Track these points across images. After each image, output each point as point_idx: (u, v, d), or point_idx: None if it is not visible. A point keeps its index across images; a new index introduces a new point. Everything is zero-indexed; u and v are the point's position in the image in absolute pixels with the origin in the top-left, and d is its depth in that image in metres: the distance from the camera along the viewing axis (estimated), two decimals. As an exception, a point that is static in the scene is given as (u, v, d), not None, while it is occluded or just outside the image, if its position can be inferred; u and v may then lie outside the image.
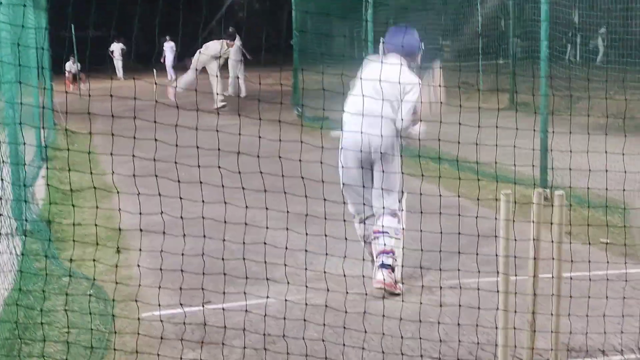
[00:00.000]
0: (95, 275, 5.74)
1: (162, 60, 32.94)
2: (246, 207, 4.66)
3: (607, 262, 5.56)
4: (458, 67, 18.12)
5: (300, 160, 4.52)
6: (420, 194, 4.57)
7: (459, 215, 4.72)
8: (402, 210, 6.03)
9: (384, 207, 5.85)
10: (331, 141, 6.03)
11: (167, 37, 32.05)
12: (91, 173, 4.52)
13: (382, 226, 5.84)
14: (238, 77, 22.73)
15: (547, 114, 8.45)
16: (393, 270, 5.79)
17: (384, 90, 5.51)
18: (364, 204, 5.98)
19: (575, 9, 15.25)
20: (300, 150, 4.47)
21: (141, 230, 4.43)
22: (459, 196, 6.85)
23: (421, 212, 4.70)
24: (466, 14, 17.98)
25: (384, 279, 5.72)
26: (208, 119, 4.22)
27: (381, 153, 5.74)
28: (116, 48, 33.93)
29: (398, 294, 5.69)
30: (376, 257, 5.89)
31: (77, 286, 5.78)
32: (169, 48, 32.75)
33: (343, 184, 5.98)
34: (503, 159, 4.80)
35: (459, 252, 5.27)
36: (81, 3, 5.51)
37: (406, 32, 6.01)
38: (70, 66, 26.71)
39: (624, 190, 5.64)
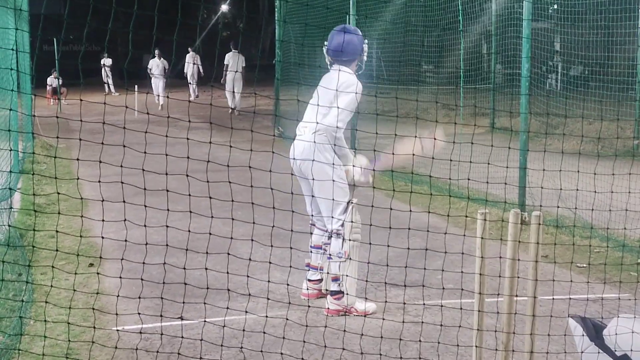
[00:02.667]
0: (68, 288, 5.69)
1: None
2: (212, 218, 4.63)
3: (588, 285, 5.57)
4: (440, 91, 18.24)
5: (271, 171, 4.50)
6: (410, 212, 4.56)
7: (446, 234, 4.71)
8: (350, 222, 5.58)
9: (326, 230, 5.63)
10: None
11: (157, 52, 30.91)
12: (55, 180, 4.42)
13: (330, 252, 5.62)
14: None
15: (526, 133, 8.49)
16: (341, 294, 5.60)
17: (318, 96, 5.43)
18: (312, 211, 5.78)
19: (557, 36, 15.40)
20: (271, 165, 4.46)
21: (102, 237, 4.38)
22: (429, 212, 6.84)
23: (409, 230, 4.69)
24: (449, 38, 18.08)
25: (328, 307, 5.62)
26: (187, 133, 4.20)
27: (309, 174, 5.45)
28: (106, 62, 33.49)
29: (359, 315, 5.57)
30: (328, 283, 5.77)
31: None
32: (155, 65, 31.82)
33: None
34: (484, 184, 4.80)
35: (441, 270, 5.25)
36: (65, 18, 5.48)
37: (345, 34, 5.63)
38: (52, 80, 26.58)
39: (609, 210, 5.65)
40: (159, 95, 24.69)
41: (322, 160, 5.39)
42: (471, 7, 16.78)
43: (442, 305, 5.02)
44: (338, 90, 5.36)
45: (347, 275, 5.50)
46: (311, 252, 5.84)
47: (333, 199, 5.28)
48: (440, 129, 5.42)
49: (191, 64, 26.90)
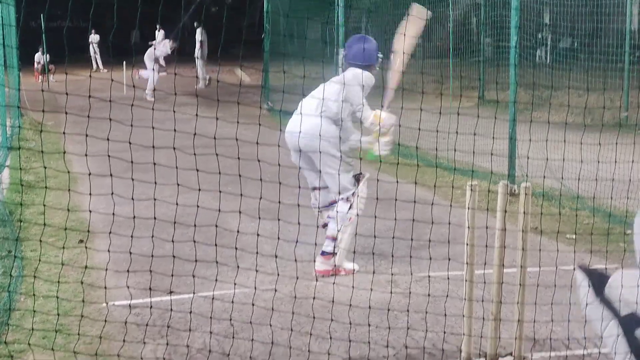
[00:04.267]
0: (57, 263, 5.69)
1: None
2: (199, 191, 4.61)
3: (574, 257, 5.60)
4: (429, 65, 18.22)
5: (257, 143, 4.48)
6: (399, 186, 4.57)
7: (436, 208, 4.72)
8: (360, 195, 6.01)
9: (339, 192, 5.91)
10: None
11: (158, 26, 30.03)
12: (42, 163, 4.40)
13: (335, 212, 5.99)
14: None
15: (515, 104, 8.49)
16: (332, 255, 5.95)
17: (323, 90, 5.76)
18: (318, 194, 6.12)
19: (546, 8, 15.37)
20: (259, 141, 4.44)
21: (88, 216, 4.37)
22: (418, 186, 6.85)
23: (395, 201, 4.69)
24: (437, 14, 18.01)
25: (317, 266, 5.97)
26: (179, 109, 4.18)
27: (320, 152, 5.77)
28: (94, 39, 33.19)
29: (346, 274, 5.93)
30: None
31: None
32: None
33: (299, 167, 6.08)
34: (476, 157, 4.82)
35: (427, 244, 5.26)
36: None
37: (364, 42, 6.13)
38: (40, 57, 26.40)
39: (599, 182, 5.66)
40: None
41: (329, 137, 5.74)
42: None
43: (429, 277, 5.04)
44: (346, 85, 5.82)
45: (345, 236, 5.92)
46: (326, 224, 6.14)
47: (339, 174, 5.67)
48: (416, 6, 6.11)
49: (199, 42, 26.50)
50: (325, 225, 6.16)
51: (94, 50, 32.98)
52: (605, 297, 3.71)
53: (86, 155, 3.95)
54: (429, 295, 4.89)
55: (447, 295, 4.60)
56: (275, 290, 4.97)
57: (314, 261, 6.01)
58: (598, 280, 3.77)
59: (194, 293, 4.92)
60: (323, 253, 5.98)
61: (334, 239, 5.95)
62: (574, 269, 4.41)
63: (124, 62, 21.47)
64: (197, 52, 24.54)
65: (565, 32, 15.47)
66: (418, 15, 6.09)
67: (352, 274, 5.90)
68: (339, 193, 5.87)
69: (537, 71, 15.42)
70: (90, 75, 4.07)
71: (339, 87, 5.84)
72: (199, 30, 24.83)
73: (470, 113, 5.25)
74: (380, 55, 6.22)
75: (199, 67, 24.44)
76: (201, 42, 24.53)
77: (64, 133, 4.12)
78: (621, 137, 5.15)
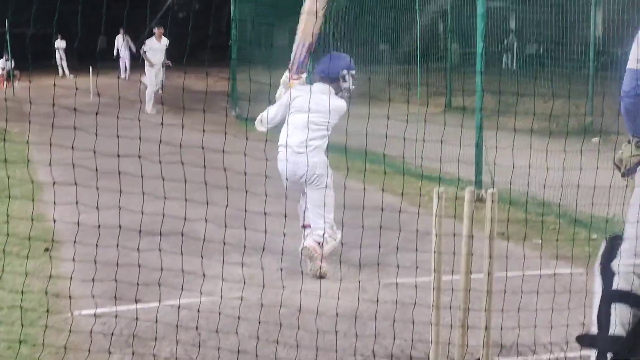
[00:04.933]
0: (22, 273, 5.62)
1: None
2: (165, 199, 4.58)
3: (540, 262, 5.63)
4: (397, 71, 18.28)
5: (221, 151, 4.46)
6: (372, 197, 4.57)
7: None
8: (339, 240, 6.46)
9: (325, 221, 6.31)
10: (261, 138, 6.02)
11: (122, 31, 29.98)
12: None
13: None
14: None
15: (481, 110, 8.53)
16: (320, 245, 6.29)
17: (315, 120, 6.12)
18: (304, 210, 6.51)
19: (512, 15, 15.50)
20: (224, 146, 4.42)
21: (53, 225, 4.33)
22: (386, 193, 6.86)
23: (363, 209, 4.69)
24: (405, 18, 18.09)
25: (309, 242, 6.32)
26: (143, 116, 4.16)
27: (311, 179, 6.34)
28: (60, 45, 32.87)
29: (322, 275, 6.24)
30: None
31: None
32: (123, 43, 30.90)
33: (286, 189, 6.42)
34: (443, 164, 4.84)
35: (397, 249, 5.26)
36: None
37: (331, 58, 6.46)
38: (4, 63, 26.15)
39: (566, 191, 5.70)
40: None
41: (325, 172, 6.36)
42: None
43: (397, 283, 5.04)
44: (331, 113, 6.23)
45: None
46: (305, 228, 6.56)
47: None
48: None
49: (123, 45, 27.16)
50: (305, 227, 6.54)
51: (60, 56, 32.70)
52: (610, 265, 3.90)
53: (50, 165, 3.91)
54: (396, 302, 4.89)
55: (415, 303, 4.60)
56: (242, 299, 4.95)
57: (280, 268, 6.00)
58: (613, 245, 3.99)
59: (160, 302, 4.88)
60: (315, 238, 6.34)
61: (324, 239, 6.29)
62: (540, 275, 4.46)
63: (91, 68, 21.33)
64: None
65: (531, 38, 15.61)
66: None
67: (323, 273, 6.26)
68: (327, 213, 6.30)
69: (503, 77, 15.54)
70: (54, 84, 4.02)
71: (326, 118, 6.27)
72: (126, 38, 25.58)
73: (438, 119, 5.27)
74: (346, 72, 6.50)
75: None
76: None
77: (27, 142, 4.07)
78: (586, 142, 5.19)
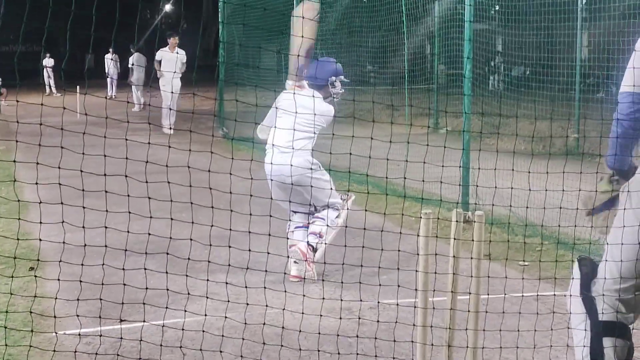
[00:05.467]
0: (6, 292, 5.61)
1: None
2: (150, 218, 4.58)
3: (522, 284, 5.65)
4: (383, 92, 18.36)
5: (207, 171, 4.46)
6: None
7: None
8: (348, 209, 6.52)
9: (328, 205, 6.44)
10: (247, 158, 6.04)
11: (111, 50, 29.90)
12: None
13: (323, 214, 6.43)
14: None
15: (469, 133, 8.56)
16: (314, 250, 6.34)
17: (300, 122, 6.14)
18: (292, 212, 6.55)
19: (498, 37, 15.61)
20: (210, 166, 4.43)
21: (39, 244, 4.31)
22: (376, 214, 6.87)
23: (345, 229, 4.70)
24: (393, 39, 18.19)
25: (301, 248, 6.30)
26: (131, 136, 4.15)
27: (302, 177, 6.21)
28: (48, 63, 32.83)
29: (308, 274, 6.33)
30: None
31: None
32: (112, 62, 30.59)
33: (272, 198, 6.34)
34: (429, 184, 4.86)
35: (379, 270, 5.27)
36: (6, 17, 5.41)
37: (318, 65, 6.48)
38: (-10, 81, 26.08)
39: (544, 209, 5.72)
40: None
41: (308, 170, 6.21)
42: (414, 8, 16.90)
43: (379, 302, 5.05)
44: (317, 115, 6.16)
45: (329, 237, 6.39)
46: (313, 222, 6.51)
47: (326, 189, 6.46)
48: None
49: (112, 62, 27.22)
50: (292, 247, 6.45)
51: (47, 74, 32.67)
52: (590, 293, 3.87)
53: (37, 183, 3.91)
54: (377, 321, 4.89)
55: (396, 322, 4.61)
56: (226, 318, 4.94)
57: (264, 287, 5.98)
58: (591, 271, 3.94)
59: (144, 321, 4.87)
60: (308, 243, 6.34)
61: (320, 236, 6.32)
62: (522, 295, 4.47)
63: (78, 87, 21.30)
64: (130, 76, 25.16)
65: (517, 60, 15.71)
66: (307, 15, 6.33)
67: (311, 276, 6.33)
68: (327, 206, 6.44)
69: (490, 99, 15.62)
70: (42, 103, 4.02)
71: (311, 119, 6.21)
72: (135, 55, 25.43)
73: (424, 140, 5.30)
74: (334, 78, 6.55)
75: (134, 91, 25.06)
76: (133, 66, 25.32)
77: (14, 161, 4.06)
78: (571, 164, 5.22)
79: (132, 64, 25.43)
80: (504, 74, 18.15)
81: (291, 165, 5.80)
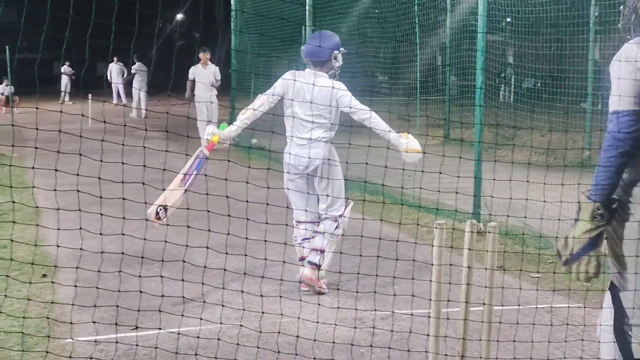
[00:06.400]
0: (21, 299, 5.64)
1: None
2: (167, 226, 4.61)
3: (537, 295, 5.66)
4: (396, 102, 18.38)
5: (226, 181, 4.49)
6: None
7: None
8: (345, 217, 6.34)
9: (326, 213, 6.26)
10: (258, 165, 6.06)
11: (115, 59, 29.82)
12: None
13: (322, 228, 6.25)
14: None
15: (481, 144, 8.56)
16: (319, 268, 6.20)
17: (315, 109, 6.02)
18: (305, 210, 6.30)
19: (510, 49, 15.62)
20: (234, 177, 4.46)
21: (52, 250, 4.34)
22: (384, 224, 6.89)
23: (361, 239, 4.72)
24: (405, 49, 18.22)
25: (307, 275, 6.16)
26: (142, 142, 4.18)
27: (320, 166, 6.13)
28: (67, 71, 32.96)
29: (322, 293, 6.19)
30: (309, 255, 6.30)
31: None
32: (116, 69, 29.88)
33: (287, 188, 6.29)
34: (441, 195, 4.86)
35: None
36: (20, 25, 5.45)
37: (321, 39, 6.19)
38: (4, 88, 26.25)
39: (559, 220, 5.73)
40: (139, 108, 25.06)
41: (333, 164, 6.15)
42: (427, 19, 16.92)
43: (393, 312, 5.06)
44: (333, 93, 6.04)
45: (330, 252, 6.27)
46: (313, 237, 6.35)
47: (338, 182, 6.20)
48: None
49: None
50: (302, 259, 6.36)
51: (65, 82, 32.82)
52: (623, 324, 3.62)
53: (55, 190, 3.94)
54: (391, 331, 4.90)
55: (410, 331, 4.62)
56: (241, 326, 4.96)
57: (279, 296, 6.00)
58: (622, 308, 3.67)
59: (160, 329, 4.89)
60: (311, 263, 6.19)
61: (322, 252, 6.20)
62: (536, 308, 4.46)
63: (90, 95, 21.39)
64: (136, 82, 25.87)
65: (528, 72, 15.71)
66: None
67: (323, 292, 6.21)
68: (329, 208, 6.24)
69: (501, 110, 15.62)
70: (60, 111, 4.06)
71: (327, 104, 6.08)
72: (137, 65, 26.21)
73: (436, 151, 5.32)
74: (340, 50, 6.34)
75: (134, 98, 26.04)
76: (135, 74, 26.00)
77: (33, 168, 4.10)
78: (584, 176, 5.23)
79: (135, 72, 25.88)
80: (515, 86, 18.14)
81: (309, 157, 5.91)
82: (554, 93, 14.02)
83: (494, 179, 5.42)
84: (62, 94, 32.20)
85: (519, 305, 5.16)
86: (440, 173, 4.43)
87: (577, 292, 6.00)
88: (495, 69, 14.99)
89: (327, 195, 6.19)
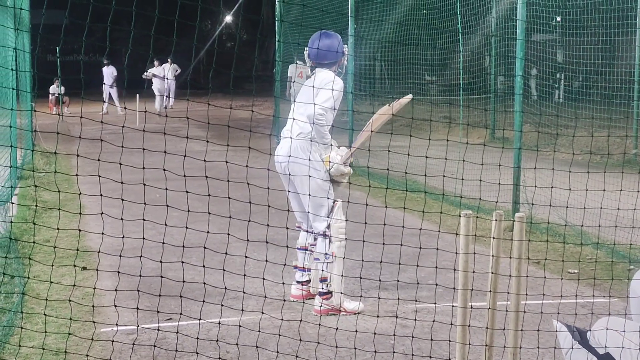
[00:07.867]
0: (59, 292, 5.81)
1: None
2: (207, 232, 4.67)
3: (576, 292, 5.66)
4: (441, 102, 18.35)
5: (268, 188, 4.53)
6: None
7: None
8: (333, 225, 5.76)
9: (312, 230, 5.84)
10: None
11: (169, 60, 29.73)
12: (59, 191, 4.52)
13: (317, 253, 5.85)
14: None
15: (520, 148, 8.50)
16: (330, 294, 5.74)
17: (301, 107, 5.73)
18: (300, 212, 5.99)
19: (560, 49, 15.47)
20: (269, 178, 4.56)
21: (99, 251, 4.45)
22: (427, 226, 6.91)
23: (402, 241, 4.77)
24: (450, 50, 18.17)
25: (317, 307, 5.73)
26: (186, 144, 4.28)
27: (287, 164, 5.69)
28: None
29: (348, 314, 5.69)
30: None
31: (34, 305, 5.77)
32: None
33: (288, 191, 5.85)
34: (482, 193, 4.91)
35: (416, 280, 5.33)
36: (69, 28, 5.59)
37: (321, 39, 5.94)
38: (54, 89, 26.71)
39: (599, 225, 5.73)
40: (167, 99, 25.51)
41: (305, 160, 5.50)
42: (468, 23, 16.80)
43: (416, 301, 5.09)
44: (315, 88, 5.60)
45: (334, 274, 5.61)
46: (298, 253, 6.07)
47: (311, 196, 5.56)
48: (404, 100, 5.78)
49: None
50: (296, 267, 6.09)
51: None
52: (586, 343, 3.69)
53: (101, 195, 4.07)
54: (415, 320, 4.94)
55: (434, 321, 4.65)
56: (282, 320, 5.06)
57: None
58: (577, 333, 3.74)
59: (200, 319, 4.99)
60: (321, 294, 5.80)
61: (325, 280, 5.76)
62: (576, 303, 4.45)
63: (137, 95, 21.72)
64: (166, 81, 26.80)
65: (577, 71, 15.53)
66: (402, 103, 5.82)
67: (355, 314, 5.70)
68: (314, 226, 5.80)
69: (550, 109, 15.48)
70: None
71: (311, 93, 5.62)
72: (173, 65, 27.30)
73: (480, 150, 5.36)
74: (346, 46, 6.09)
75: (157, 99, 26.55)
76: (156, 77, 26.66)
77: (76, 175, 4.23)
78: (629, 177, 5.22)
79: (161, 75, 26.48)
80: (565, 85, 17.96)
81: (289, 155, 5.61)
82: (601, 89, 13.90)
83: (535, 186, 5.42)
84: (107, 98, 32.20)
85: (561, 300, 5.16)
86: (481, 180, 4.47)
87: (617, 289, 5.99)
88: (547, 67, 14.86)
89: (309, 195, 5.58)
